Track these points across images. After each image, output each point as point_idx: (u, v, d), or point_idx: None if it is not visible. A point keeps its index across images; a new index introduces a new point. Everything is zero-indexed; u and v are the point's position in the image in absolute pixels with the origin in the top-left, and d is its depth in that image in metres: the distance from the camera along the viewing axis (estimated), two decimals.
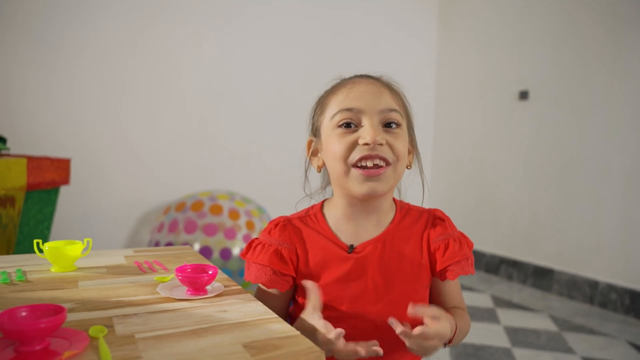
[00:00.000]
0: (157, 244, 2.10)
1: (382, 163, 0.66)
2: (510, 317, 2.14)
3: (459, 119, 3.20)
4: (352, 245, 0.69)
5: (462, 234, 0.73)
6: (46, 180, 1.81)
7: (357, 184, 0.66)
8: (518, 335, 1.92)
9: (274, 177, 2.72)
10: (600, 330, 2.01)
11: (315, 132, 0.75)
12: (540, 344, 1.84)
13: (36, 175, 1.75)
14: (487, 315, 2.15)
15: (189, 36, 2.51)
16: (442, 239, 0.70)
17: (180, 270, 0.67)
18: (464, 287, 2.57)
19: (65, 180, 1.89)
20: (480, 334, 1.91)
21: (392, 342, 0.66)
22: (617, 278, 2.28)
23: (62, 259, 0.75)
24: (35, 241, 0.77)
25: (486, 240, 2.99)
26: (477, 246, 3.03)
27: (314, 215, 0.74)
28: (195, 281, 0.64)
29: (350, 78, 0.73)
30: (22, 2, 2.14)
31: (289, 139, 2.70)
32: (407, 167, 0.73)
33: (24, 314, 0.47)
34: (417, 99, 3.47)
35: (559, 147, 2.55)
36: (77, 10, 2.25)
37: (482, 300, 2.38)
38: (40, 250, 0.78)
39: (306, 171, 0.78)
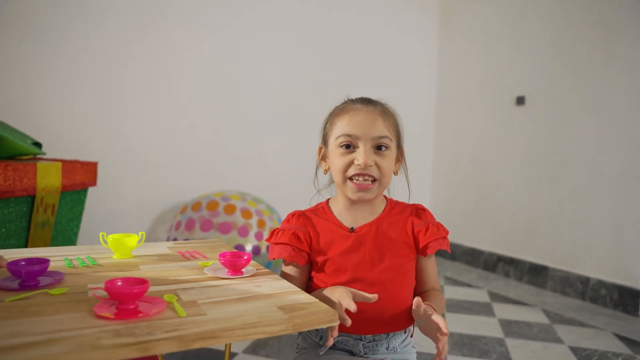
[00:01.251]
0: (175, 240, 2.27)
1: (370, 179, 0.88)
2: (505, 311, 2.27)
3: (459, 121, 3.32)
4: (352, 227, 0.91)
5: (439, 222, 0.94)
6: (77, 182, 1.97)
7: (351, 192, 0.89)
8: (511, 327, 2.06)
9: (283, 178, 2.88)
10: (589, 323, 2.14)
11: (325, 141, 0.95)
12: (532, 335, 1.98)
13: (69, 178, 1.91)
14: (483, 309, 2.29)
15: (203, 42, 2.63)
16: (423, 224, 0.92)
17: (222, 255, 0.85)
18: (463, 285, 2.72)
19: (93, 182, 2.05)
20: (475, 326, 2.06)
21: (385, 303, 0.86)
22: (607, 275, 2.41)
23: (122, 248, 0.92)
24: (100, 234, 0.94)
25: (485, 239, 3.11)
26: (476, 245, 3.17)
27: (322, 208, 0.96)
28: (235, 264, 0.82)
29: (354, 103, 0.93)
30: (27, 3, 2.21)
31: (297, 142, 2.87)
32: (394, 173, 0.95)
33: (120, 283, 0.64)
34: (419, 100, 3.59)
35: (554, 150, 2.68)
36: (79, 12, 2.33)
37: (479, 295, 2.52)
38: (105, 241, 0.95)
39: (316, 170, 1.00)
